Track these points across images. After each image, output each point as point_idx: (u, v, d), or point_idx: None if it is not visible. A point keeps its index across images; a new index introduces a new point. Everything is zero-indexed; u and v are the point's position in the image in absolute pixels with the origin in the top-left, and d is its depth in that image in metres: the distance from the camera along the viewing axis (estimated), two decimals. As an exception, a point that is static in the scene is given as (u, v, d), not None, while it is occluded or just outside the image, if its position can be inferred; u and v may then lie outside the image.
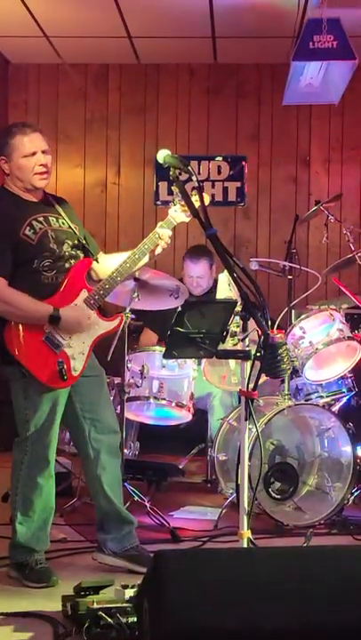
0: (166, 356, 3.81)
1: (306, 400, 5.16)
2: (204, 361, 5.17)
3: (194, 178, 3.42)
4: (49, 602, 3.49)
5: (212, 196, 8.14)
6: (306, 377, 5.04)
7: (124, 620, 3.03)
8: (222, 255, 3.23)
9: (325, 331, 5.02)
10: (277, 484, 4.85)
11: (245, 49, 7.79)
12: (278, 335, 3.19)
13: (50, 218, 3.90)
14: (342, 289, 5.57)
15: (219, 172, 8.20)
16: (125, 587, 3.26)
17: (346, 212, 7.67)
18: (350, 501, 4.95)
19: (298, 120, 8.17)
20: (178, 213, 4.00)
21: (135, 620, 2.98)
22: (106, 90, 8.28)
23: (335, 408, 5.22)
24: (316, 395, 5.16)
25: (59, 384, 3.79)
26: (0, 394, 7.26)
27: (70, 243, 3.91)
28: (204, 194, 3.70)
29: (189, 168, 3.50)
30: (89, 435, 3.98)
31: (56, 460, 5.30)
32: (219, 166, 8.20)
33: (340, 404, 5.29)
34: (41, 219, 3.86)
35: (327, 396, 5.16)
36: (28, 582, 3.79)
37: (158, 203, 8.19)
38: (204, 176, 8.14)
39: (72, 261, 3.89)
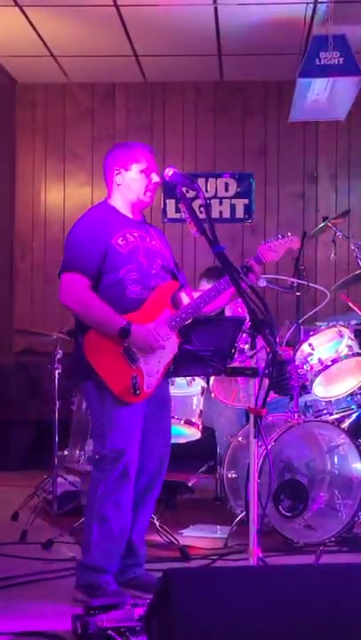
0: (174, 373, 3.81)
1: (315, 417, 5.13)
2: (212, 378, 5.17)
3: (201, 195, 3.43)
4: (59, 621, 3.46)
5: (220, 213, 8.18)
6: (315, 394, 5.01)
7: (133, 639, 3.02)
8: (230, 272, 3.23)
9: (334, 347, 5.01)
10: (287, 502, 4.82)
11: (251, 66, 7.83)
12: (287, 352, 3.18)
13: (145, 236, 3.94)
14: (351, 305, 5.56)
15: (226, 190, 8.23)
16: (135, 605, 3.25)
17: (354, 229, 7.67)
18: (361, 518, 4.93)
19: (304, 137, 8.20)
20: (267, 252, 3.98)
21: (145, 639, 2.96)
22: (113, 108, 8.33)
23: (345, 425, 5.19)
24: (325, 411, 5.13)
25: (130, 398, 3.72)
26: (10, 415, 7.34)
27: (161, 263, 3.92)
28: (293, 237, 3.98)
29: (196, 185, 3.51)
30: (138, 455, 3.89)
31: (65, 479, 5.36)
32: (226, 183, 8.23)
33: (350, 420, 5.26)
34: (135, 234, 3.89)
35: (337, 413, 5.14)
36: None
37: (166, 220, 8.23)
38: (212, 193, 8.17)
39: (160, 281, 3.88)
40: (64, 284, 3.80)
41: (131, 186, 3.91)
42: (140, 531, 4.00)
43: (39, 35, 7.12)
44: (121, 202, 3.95)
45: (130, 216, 3.95)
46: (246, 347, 4.24)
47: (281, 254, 4.02)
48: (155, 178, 3.91)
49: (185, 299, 3.97)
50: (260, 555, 3.14)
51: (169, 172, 3.64)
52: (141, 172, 3.90)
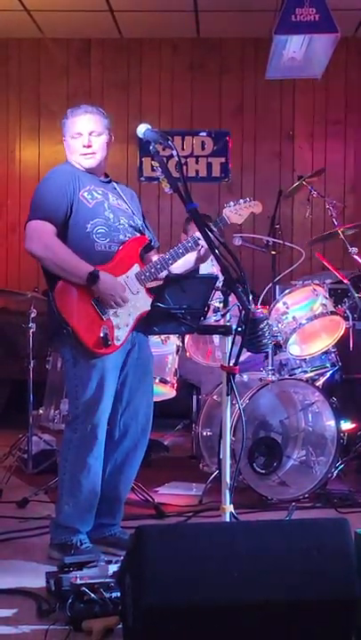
0: (147, 332, 3.81)
1: (290, 375, 5.16)
2: (188, 337, 5.17)
3: (174, 152, 3.39)
4: (33, 579, 3.49)
5: (196, 171, 8.14)
6: (290, 352, 5.03)
7: (107, 596, 3.04)
8: (202, 230, 3.21)
9: (309, 306, 5.01)
10: (262, 459, 4.86)
11: (228, 23, 7.75)
12: (259, 310, 3.18)
13: (110, 195, 3.96)
14: (326, 264, 5.56)
15: (203, 148, 8.19)
16: (109, 562, 3.28)
17: (330, 188, 7.65)
18: (334, 475, 4.97)
19: (281, 95, 8.15)
20: (233, 214, 4.02)
21: (118, 594, 2.99)
22: (88, 65, 8.24)
23: (319, 383, 5.23)
24: (300, 370, 5.16)
25: (101, 349, 3.74)
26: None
27: (127, 220, 3.94)
28: (256, 202, 4.04)
29: (169, 142, 3.48)
30: (120, 416, 3.93)
31: (40, 437, 5.37)
32: (203, 142, 8.18)
33: (324, 378, 5.30)
34: (100, 191, 3.92)
35: (311, 371, 5.16)
36: None
37: (142, 179, 8.18)
38: (188, 152, 8.12)
39: (128, 235, 3.91)
40: (29, 231, 3.84)
41: (70, 154, 4.00)
42: (124, 490, 4.04)
43: (12, -11, 7.01)
44: (75, 164, 4.00)
45: (94, 175, 3.98)
46: (218, 304, 4.25)
47: (244, 218, 4.07)
48: (85, 140, 3.93)
49: (154, 257, 3.97)
50: (233, 511, 3.16)
51: (142, 128, 3.59)
52: (72, 137, 3.96)
